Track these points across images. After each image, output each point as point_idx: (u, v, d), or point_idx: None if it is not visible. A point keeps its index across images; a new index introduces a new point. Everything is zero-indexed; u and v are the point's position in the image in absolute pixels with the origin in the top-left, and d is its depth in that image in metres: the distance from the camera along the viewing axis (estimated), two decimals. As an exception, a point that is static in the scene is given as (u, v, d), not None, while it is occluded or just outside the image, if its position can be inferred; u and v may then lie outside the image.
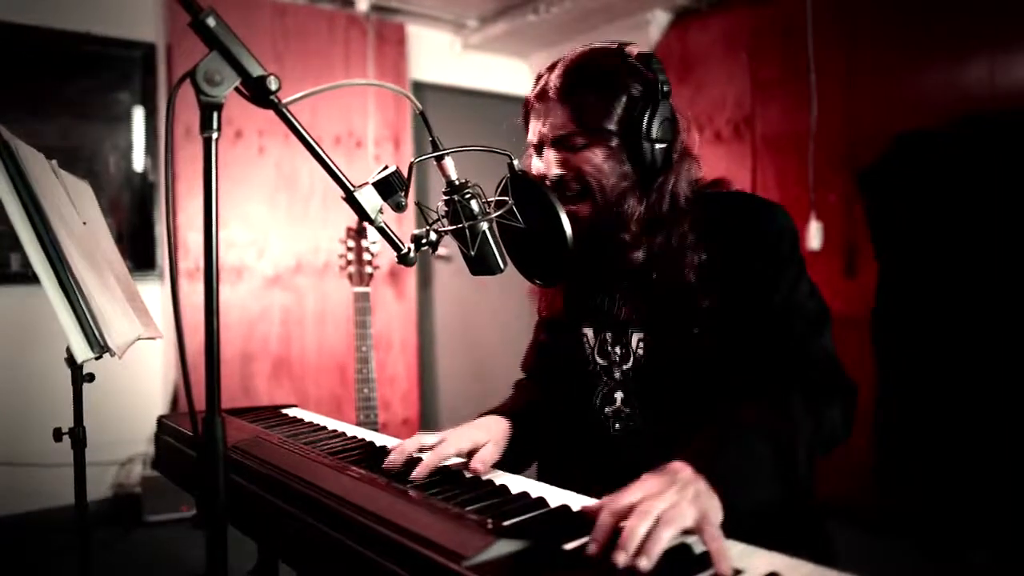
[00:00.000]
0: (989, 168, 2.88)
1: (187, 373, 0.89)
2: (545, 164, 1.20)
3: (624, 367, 1.25)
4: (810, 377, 1.11)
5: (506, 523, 0.89)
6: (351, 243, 2.37)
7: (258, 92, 0.92)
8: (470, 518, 0.88)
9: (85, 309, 1.06)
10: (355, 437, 1.39)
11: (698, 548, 0.82)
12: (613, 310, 1.26)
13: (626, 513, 0.81)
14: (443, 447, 1.15)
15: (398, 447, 1.17)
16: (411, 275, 4.35)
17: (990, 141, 2.91)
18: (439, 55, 4.71)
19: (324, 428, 1.48)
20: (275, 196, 3.91)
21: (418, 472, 1.10)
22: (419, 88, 4.55)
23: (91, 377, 1.31)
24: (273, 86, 0.91)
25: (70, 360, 1.27)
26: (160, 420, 1.56)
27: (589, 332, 1.30)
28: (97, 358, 1.08)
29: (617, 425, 1.27)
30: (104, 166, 3.70)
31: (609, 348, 1.27)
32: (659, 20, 4.34)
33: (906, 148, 3.15)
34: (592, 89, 1.16)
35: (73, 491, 1.38)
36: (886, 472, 3.02)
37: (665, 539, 0.78)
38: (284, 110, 0.95)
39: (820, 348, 1.14)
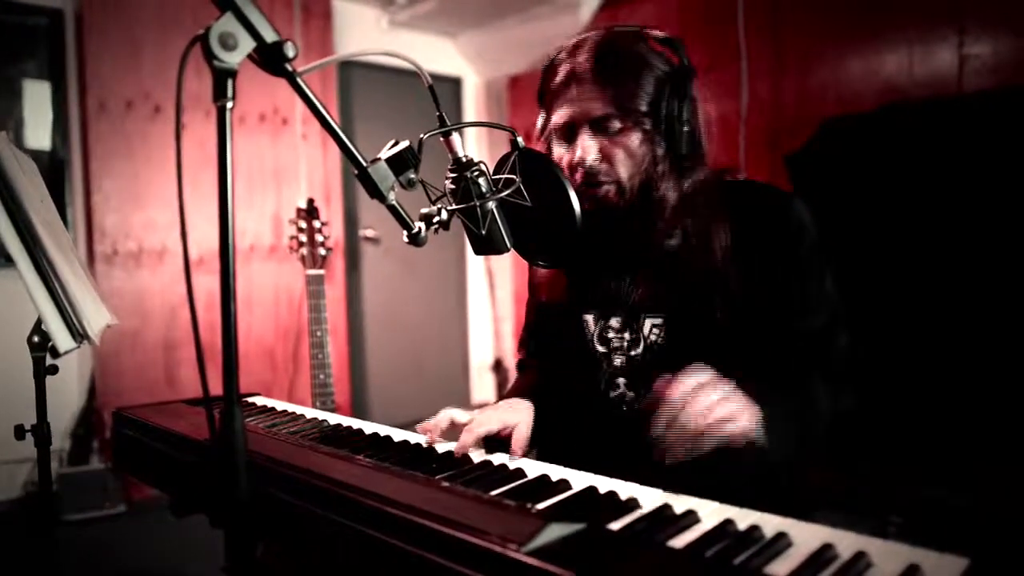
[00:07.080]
0: (908, 153, 3.03)
1: (202, 363, 0.83)
2: (581, 150, 1.16)
3: (632, 353, 1.23)
4: (825, 371, 1.16)
5: (541, 506, 0.87)
6: (303, 224, 2.26)
7: (272, 59, 0.86)
8: (508, 504, 0.86)
9: (63, 296, 0.97)
10: (339, 424, 1.34)
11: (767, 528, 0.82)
12: (625, 295, 1.24)
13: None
14: (475, 426, 1.16)
15: (433, 425, 1.20)
16: (338, 258, 4.23)
17: (909, 127, 3.07)
18: (366, 31, 4.56)
19: (303, 416, 1.42)
20: (197, 176, 3.71)
21: (458, 449, 1.14)
22: (345, 65, 4.41)
23: (54, 369, 1.21)
24: (290, 53, 0.85)
25: (48, 347, 1.15)
26: (117, 413, 1.46)
27: (590, 318, 1.28)
28: (77, 347, 0.99)
29: (623, 407, 1.26)
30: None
31: (612, 334, 1.25)
32: (590, 3, 4.35)
33: (831, 133, 3.28)
34: (626, 71, 1.14)
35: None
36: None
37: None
38: (299, 80, 0.89)
39: (840, 345, 1.18)
